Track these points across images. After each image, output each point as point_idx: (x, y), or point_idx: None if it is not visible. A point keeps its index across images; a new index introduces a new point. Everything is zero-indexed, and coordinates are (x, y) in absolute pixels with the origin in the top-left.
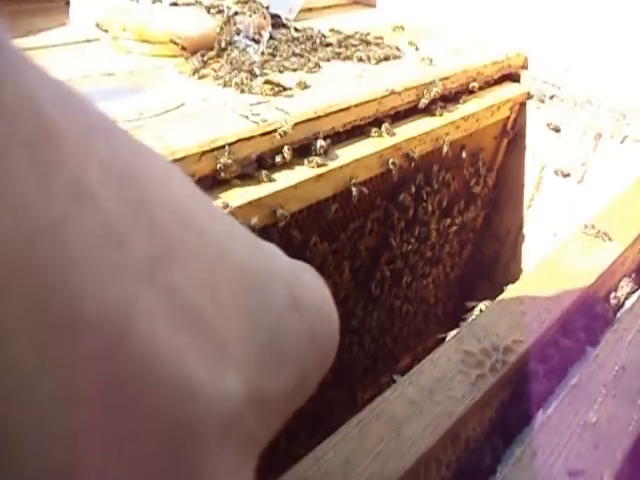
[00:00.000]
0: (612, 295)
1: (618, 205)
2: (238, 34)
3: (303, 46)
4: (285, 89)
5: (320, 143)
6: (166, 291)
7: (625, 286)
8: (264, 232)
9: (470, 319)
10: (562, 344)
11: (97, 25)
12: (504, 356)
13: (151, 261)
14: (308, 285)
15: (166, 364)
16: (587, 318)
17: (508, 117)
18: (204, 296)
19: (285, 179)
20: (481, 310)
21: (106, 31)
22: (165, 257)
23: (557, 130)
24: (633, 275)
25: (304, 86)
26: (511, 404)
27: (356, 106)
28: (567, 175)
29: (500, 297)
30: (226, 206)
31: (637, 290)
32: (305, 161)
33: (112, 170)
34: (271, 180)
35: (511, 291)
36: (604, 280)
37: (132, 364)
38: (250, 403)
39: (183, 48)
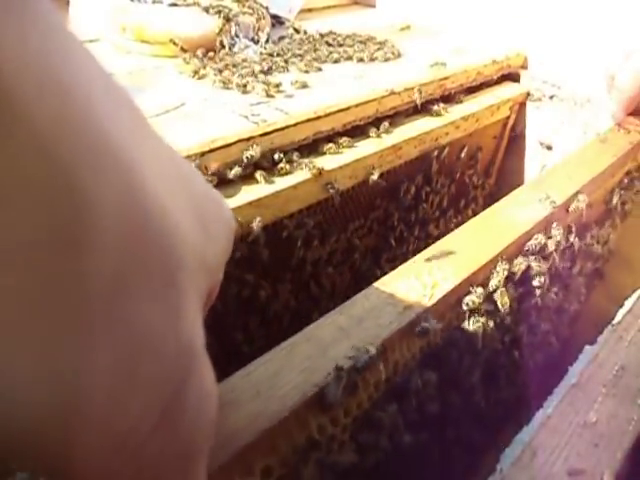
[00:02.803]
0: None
1: (561, 167)
2: (237, 34)
3: (303, 46)
4: (285, 89)
5: (321, 143)
6: (154, 155)
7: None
8: (264, 232)
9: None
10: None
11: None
12: (432, 290)
13: (140, 127)
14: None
15: (168, 214)
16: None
17: (508, 117)
18: (167, 167)
19: (285, 179)
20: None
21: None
22: (144, 133)
23: (549, 148)
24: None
25: (304, 86)
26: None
27: (356, 106)
28: (549, 148)
29: (437, 243)
30: None
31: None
32: (305, 161)
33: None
34: (271, 181)
35: (447, 240)
36: (540, 229)
37: (145, 205)
38: (202, 260)
39: (183, 48)
